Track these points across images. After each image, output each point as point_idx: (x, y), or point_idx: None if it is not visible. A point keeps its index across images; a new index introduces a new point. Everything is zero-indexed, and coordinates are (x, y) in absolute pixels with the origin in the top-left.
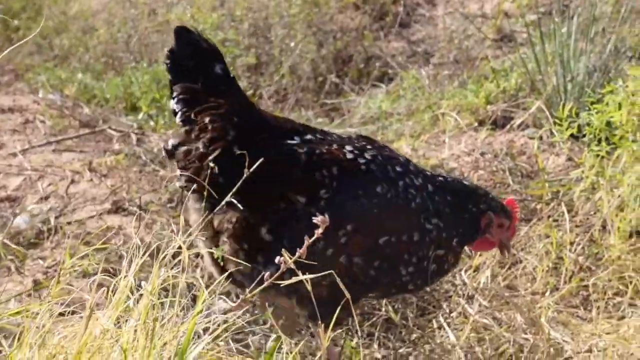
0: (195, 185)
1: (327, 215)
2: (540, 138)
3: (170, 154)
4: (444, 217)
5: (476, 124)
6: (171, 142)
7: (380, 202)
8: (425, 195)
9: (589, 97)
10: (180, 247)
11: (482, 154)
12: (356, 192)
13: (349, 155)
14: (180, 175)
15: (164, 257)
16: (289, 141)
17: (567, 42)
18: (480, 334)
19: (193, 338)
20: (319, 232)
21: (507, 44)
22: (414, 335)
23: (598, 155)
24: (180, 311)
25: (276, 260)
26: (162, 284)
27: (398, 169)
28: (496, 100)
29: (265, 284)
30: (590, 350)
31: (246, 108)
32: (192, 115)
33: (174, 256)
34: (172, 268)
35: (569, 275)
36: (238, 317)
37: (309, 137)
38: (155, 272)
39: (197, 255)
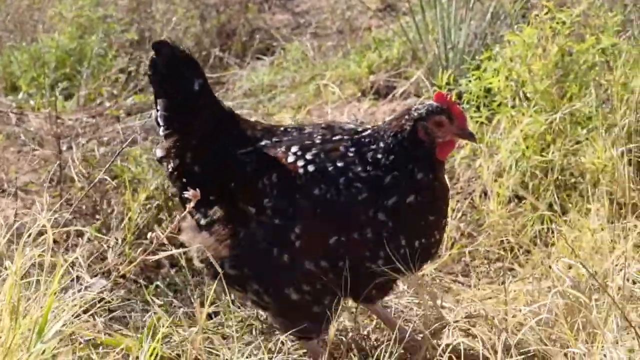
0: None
1: (198, 190)
2: None
3: (159, 161)
4: (392, 164)
5: (359, 94)
6: (158, 154)
7: (321, 203)
8: (372, 171)
9: (469, 64)
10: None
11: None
12: (294, 197)
13: (290, 159)
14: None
15: (29, 236)
16: (242, 150)
17: (448, 10)
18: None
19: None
20: (189, 206)
21: (390, 13)
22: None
23: (478, 122)
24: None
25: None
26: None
27: (339, 164)
28: (379, 70)
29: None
30: (470, 316)
31: (210, 122)
32: (169, 132)
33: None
34: (36, 247)
35: (451, 242)
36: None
37: (263, 142)
38: (19, 252)
39: (80, 234)
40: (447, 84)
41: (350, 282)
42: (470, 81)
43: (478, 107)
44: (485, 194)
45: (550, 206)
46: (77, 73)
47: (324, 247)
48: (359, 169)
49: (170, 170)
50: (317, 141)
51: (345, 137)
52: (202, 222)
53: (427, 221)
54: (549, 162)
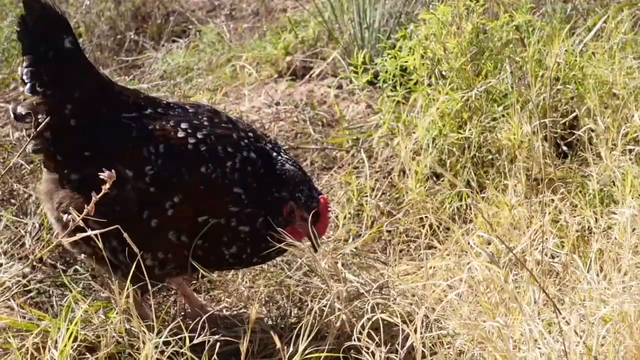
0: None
1: (113, 171)
2: (340, 87)
3: (19, 118)
4: (250, 192)
5: (276, 76)
6: (19, 110)
7: (203, 181)
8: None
9: (384, 43)
10: None
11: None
12: (180, 170)
13: (180, 134)
14: (30, 140)
15: None
16: (127, 114)
17: None
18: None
19: None
20: (105, 187)
21: None
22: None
23: (395, 101)
24: None
25: (64, 218)
26: None
27: (229, 149)
28: (295, 51)
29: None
30: (389, 292)
31: (91, 81)
32: (38, 87)
33: None
34: None
35: (371, 221)
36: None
37: (148, 111)
38: None
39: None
40: (363, 63)
41: (200, 260)
42: (386, 60)
43: (394, 86)
44: (404, 172)
45: (468, 183)
46: None
47: (192, 223)
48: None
49: (35, 125)
50: (205, 123)
51: (239, 128)
52: (73, 176)
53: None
54: (466, 140)
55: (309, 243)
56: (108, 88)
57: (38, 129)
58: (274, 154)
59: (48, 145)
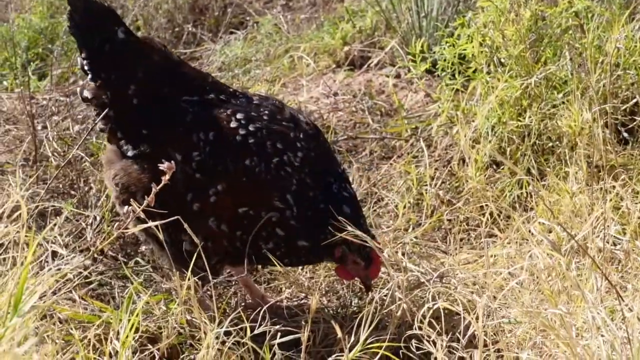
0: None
1: (172, 162)
2: (399, 76)
3: (85, 100)
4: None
5: (334, 66)
6: (85, 94)
7: (246, 174)
8: (300, 180)
9: (442, 32)
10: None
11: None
12: (224, 160)
13: (233, 124)
14: (98, 119)
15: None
16: (187, 98)
17: None
18: None
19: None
20: (165, 178)
21: None
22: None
23: (453, 89)
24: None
25: (124, 210)
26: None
27: (279, 145)
28: (353, 41)
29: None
30: (450, 281)
31: (152, 63)
32: (97, 76)
33: None
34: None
35: (431, 210)
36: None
37: (210, 96)
38: None
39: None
40: (421, 51)
41: (240, 252)
42: (444, 48)
43: (453, 74)
44: (464, 160)
45: (528, 171)
46: (49, 53)
47: (232, 213)
48: (297, 163)
49: (101, 105)
50: (265, 117)
51: (301, 131)
52: (130, 153)
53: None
54: (526, 127)
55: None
56: (175, 69)
57: (101, 115)
58: (336, 189)
59: (111, 123)
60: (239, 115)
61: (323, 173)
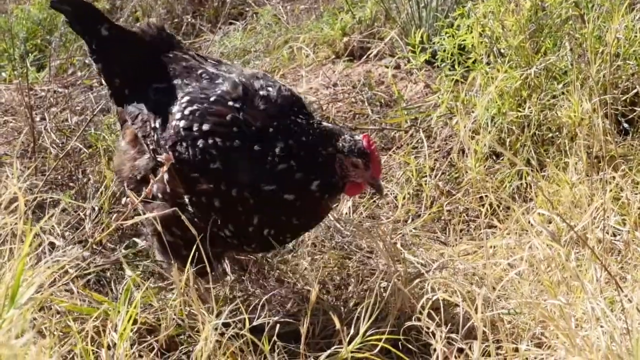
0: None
1: (170, 153)
2: (398, 67)
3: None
4: (299, 159)
5: (333, 57)
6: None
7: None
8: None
9: (442, 22)
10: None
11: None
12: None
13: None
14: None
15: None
16: (156, 85)
17: None
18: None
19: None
20: (164, 169)
21: None
22: (277, 272)
23: (453, 80)
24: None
25: (123, 202)
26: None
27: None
28: (352, 32)
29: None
30: (449, 271)
31: (133, 54)
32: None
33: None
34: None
35: (430, 201)
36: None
37: (175, 82)
38: None
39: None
40: (421, 42)
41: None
42: (444, 39)
43: (453, 65)
44: (463, 151)
45: (528, 162)
46: (48, 44)
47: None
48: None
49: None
50: (212, 97)
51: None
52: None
53: (289, 222)
54: (526, 118)
55: (373, 191)
56: (155, 57)
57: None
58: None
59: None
60: (184, 99)
61: (286, 113)
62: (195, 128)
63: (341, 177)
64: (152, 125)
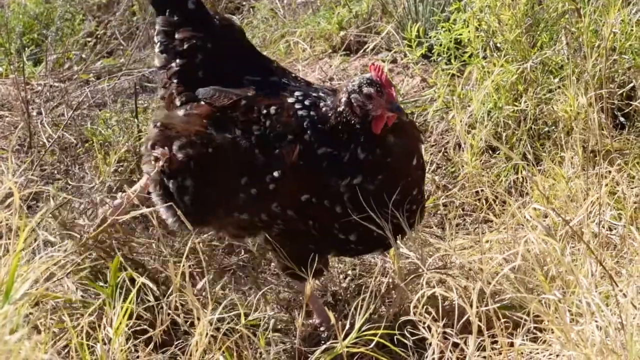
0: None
1: (166, 148)
2: (395, 61)
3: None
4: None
5: (330, 51)
6: (155, 64)
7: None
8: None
9: (438, 16)
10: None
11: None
12: (285, 138)
13: (291, 99)
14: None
15: None
16: (249, 77)
17: None
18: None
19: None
20: (159, 164)
21: None
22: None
23: (449, 74)
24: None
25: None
26: None
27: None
28: (349, 26)
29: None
30: (445, 267)
31: (223, 39)
32: (170, 45)
33: None
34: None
35: (426, 195)
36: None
37: (273, 78)
38: None
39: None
40: (417, 36)
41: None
42: (440, 33)
43: (449, 59)
44: (459, 145)
45: (524, 156)
46: (45, 38)
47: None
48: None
49: (171, 73)
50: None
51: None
52: (181, 112)
53: (389, 196)
54: (522, 112)
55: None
56: (243, 48)
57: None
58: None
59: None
60: (297, 94)
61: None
62: None
63: (362, 117)
64: None
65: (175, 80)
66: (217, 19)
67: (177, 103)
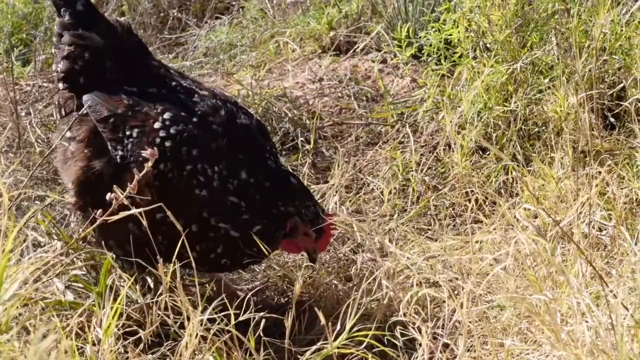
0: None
1: (155, 149)
2: (385, 62)
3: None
4: (250, 201)
5: (320, 51)
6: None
7: (160, 179)
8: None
9: (428, 17)
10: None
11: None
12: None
13: (157, 125)
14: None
15: None
16: (127, 87)
17: None
18: (329, 254)
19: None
20: (148, 165)
21: None
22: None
23: (439, 74)
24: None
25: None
26: None
27: (194, 152)
28: (339, 26)
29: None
30: (435, 267)
31: (107, 44)
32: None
33: None
34: None
35: (416, 196)
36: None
37: (150, 89)
38: None
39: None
40: (407, 36)
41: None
42: (430, 34)
43: (439, 60)
44: (449, 146)
45: (514, 156)
46: (33, 38)
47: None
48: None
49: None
50: (195, 118)
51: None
52: (68, 134)
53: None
54: (512, 113)
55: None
56: (129, 55)
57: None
58: (274, 165)
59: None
60: (166, 115)
61: (255, 153)
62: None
63: (287, 234)
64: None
65: (61, 86)
66: (106, 21)
67: (63, 113)
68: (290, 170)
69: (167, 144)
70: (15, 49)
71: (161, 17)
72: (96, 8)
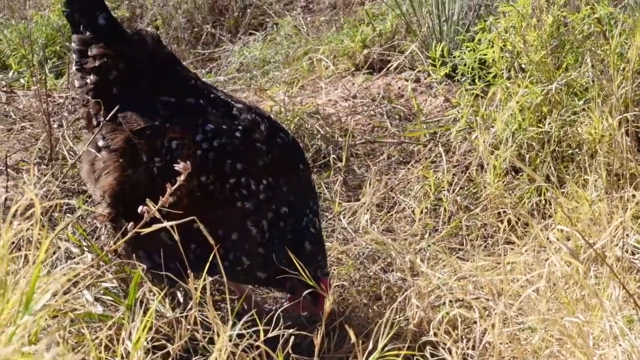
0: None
1: (188, 163)
2: (418, 80)
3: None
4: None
5: (353, 69)
6: (76, 84)
7: (201, 190)
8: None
9: (463, 36)
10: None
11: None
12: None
13: (198, 137)
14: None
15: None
16: (164, 98)
17: None
18: (359, 272)
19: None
20: (181, 178)
21: None
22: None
23: (473, 94)
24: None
25: (140, 210)
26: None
27: (238, 166)
28: (372, 44)
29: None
30: (467, 288)
31: (138, 56)
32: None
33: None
34: (25, 221)
35: (448, 216)
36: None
37: (188, 100)
38: (6, 226)
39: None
40: (442, 56)
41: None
42: (464, 53)
43: (473, 79)
44: (482, 166)
45: (547, 178)
46: (67, 51)
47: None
48: (254, 186)
49: (87, 90)
50: (237, 134)
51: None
52: (100, 143)
53: None
54: (546, 134)
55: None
56: (161, 64)
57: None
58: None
59: (89, 108)
60: (208, 127)
61: (298, 203)
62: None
63: (288, 291)
64: None
65: (91, 98)
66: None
67: (94, 123)
68: (318, 232)
69: (210, 156)
70: (49, 60)
71: (195, 32)
72: (117, 21)
